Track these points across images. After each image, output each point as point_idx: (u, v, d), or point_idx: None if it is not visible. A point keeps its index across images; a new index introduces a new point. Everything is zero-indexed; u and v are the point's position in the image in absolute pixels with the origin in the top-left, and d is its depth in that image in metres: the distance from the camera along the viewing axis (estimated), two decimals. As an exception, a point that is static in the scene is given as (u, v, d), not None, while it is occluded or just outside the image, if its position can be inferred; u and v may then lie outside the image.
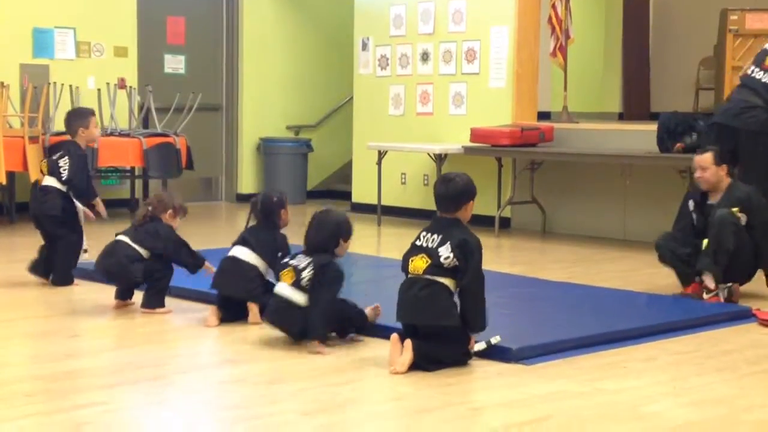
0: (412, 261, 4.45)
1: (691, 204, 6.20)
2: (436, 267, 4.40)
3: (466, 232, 4.45)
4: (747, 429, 3.67)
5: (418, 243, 4.49)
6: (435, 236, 4.44)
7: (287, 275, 4.80)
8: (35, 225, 6.39)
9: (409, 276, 4.47)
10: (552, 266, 7.47)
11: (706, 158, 6.13)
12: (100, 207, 6.42)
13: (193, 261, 5.58)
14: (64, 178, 6.24)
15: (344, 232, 4.90)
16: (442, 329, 4.39)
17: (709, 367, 4.55)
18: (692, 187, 6.58)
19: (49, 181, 6.28)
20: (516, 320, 5.19)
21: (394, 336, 4.41)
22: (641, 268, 7.17)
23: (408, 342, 4.35)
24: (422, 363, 4.33)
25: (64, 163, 6.27)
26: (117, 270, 5.51)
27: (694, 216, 6.18)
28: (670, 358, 4.72)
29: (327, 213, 4.96)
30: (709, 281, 5.91)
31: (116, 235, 5.64)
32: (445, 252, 4.39)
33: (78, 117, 6.49)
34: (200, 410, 3.93)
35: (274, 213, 5.37)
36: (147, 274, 5.50)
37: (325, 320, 4.70)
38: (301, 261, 4.81)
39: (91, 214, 6.40)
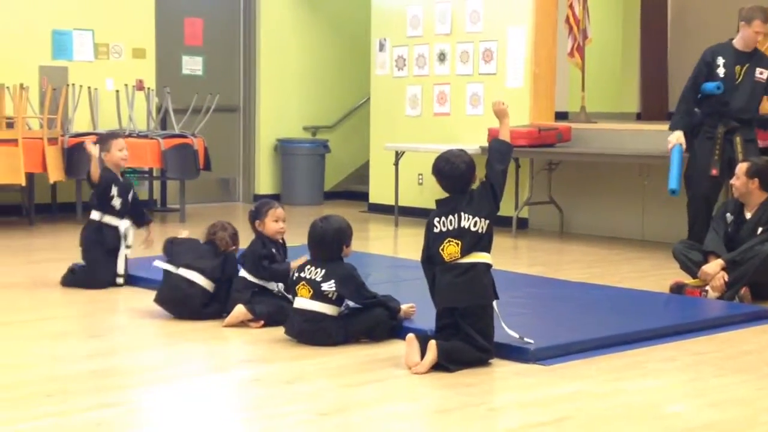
0: (443, 250, 4.45)
1: (728, 216, 6.28)
2: (470, 245, 4.42)
3: (484, 197, 4.48)
4: (766, 430, 3.64)
5: (436, 230, 4.48)
6: (462, 215, 4.43)
7: (303, 289, 4.85)
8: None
9: (445, 263, 4.45)
10: (570, 267, 7.44)
11: (741, 167, 6.34)
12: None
13: None
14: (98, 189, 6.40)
15: (346, 237, 4.94)
16: (480, 308, 4.43)
17: (729, 368, 4.53)
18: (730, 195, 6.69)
19: (92, 215, 6.40)
20: (534, 321, 5.17)
21: (410, 336, 4.41)
22: (659, 269, 7.14)
23: (432, 343, 4.34)
24: (445, 363, 4.33)
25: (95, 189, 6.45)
26: None
27: (729, 229, 6.25)
28: (690, 359, 4.70)
29: (326, 221, 4.95)
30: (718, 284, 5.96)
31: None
32: (480, 223, 4.44)
33: (100, 142, 6.54)
34: (217, 411, 3.93)
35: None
36: None
37: (384, 303, 4.91)
38: (314, 273, 4.84)
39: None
